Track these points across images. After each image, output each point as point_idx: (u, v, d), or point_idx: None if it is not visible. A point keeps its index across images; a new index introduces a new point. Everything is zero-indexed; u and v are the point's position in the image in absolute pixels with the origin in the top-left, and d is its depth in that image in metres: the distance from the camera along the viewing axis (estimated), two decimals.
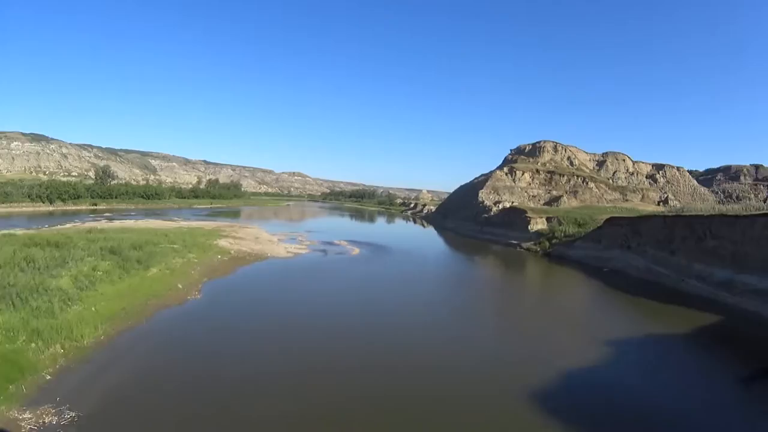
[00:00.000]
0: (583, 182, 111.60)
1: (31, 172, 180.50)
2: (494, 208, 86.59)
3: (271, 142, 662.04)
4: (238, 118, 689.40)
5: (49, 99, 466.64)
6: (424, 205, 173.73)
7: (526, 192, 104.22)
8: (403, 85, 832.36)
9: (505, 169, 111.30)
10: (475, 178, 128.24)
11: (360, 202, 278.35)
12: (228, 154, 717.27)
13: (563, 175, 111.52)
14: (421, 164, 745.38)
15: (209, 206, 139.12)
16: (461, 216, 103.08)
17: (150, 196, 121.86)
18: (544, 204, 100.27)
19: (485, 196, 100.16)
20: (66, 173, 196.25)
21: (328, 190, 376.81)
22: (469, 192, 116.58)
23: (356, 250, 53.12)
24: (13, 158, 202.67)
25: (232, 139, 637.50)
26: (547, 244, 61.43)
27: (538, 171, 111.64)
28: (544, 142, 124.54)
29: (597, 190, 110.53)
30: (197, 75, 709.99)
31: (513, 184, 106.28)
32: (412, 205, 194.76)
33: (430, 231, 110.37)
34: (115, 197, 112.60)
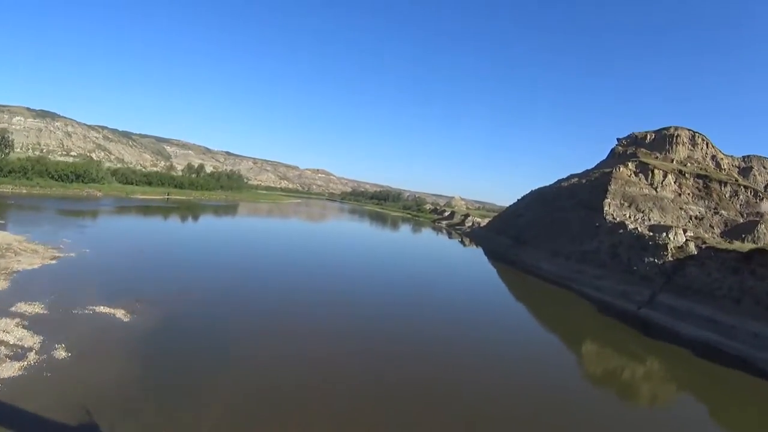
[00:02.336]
0: (755, 198, 67.86)
1: (28, 149, 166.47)
2: (691, 247, 41.96)
3: (298, 138, 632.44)
4: (268, 113, 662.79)
5: (75, 80, 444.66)
6: (466, 216, 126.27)
7: (681, 208, 60.40)
8: (438, 83, 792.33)
9: (631, 166, 67.49)
10: (563, 180, 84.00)
11: (382, 205, 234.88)
12: (252, 147, 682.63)
13: (724, 184, 67.70)
14: (453, 168, 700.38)
15: (165, 197, 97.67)
16: (566, 249, 56.45)
17: (64, 177, 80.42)
18: (721, 234, 56.57)
19: (617, 211, 56.63)
20: (65, 152, 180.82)
21: (352, 190, 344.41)
22: (563, 199, 72.15)
23: None
24: (11, 134, 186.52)
25: (261, 133, 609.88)
26: None
27: (682, 173, 67.79)
28: (676, 129, 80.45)
29: None
30: (230, 67, 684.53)
31: (654, 192, 62.62)
32: (446, 214, 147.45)
33: (494, 275, 57.46)
34: (5, 175, 71.75)
